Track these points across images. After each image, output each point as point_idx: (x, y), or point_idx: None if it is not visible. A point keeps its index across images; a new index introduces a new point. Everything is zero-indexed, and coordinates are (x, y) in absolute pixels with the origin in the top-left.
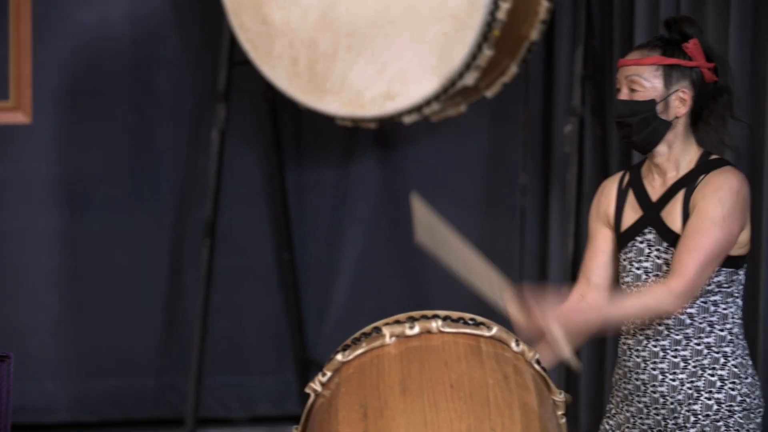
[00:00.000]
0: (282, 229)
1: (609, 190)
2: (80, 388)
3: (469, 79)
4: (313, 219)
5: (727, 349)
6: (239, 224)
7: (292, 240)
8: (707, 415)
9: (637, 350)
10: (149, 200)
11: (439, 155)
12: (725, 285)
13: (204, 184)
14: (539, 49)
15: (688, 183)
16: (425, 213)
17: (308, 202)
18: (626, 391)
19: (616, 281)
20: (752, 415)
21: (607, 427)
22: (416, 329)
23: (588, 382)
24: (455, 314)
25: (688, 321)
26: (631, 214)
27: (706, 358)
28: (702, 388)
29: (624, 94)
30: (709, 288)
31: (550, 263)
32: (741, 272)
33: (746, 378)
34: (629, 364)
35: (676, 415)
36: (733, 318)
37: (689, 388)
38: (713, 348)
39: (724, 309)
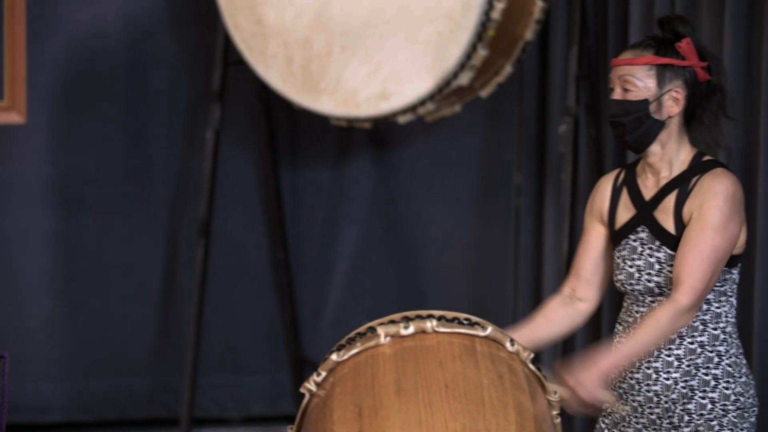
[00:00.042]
0: (276, 229)
1: (604, 187)
2: (75, 388)
3: (464, 78)
4: (307, 219)
5: (721, 348)
6: (234, 224)
7: (287, 240)
8: (701, 414)
9: None
10: (144, 200)
11: (434, 155)
12: (718, 284)
13: (198, 183)
14: (534, 49)
15: (681, 184)
16: None
17: (303, 202)
18: (621, 390)
19: (608, 278)
20: (746, 414)
21: (603, 425)
22: (411, 329)
23: None
24: (450, 314)
25: None
26: (625, 212)
27: (699, 357)
28: (696, 387)
29: (617, 94)
30: None
31: (545, 263)
32: (735, 271)
33: (740, 377)
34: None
35: (670, 414)
36: (726, 317)
37: (683, 387)
38: (707, 347)
39: (718, 308)
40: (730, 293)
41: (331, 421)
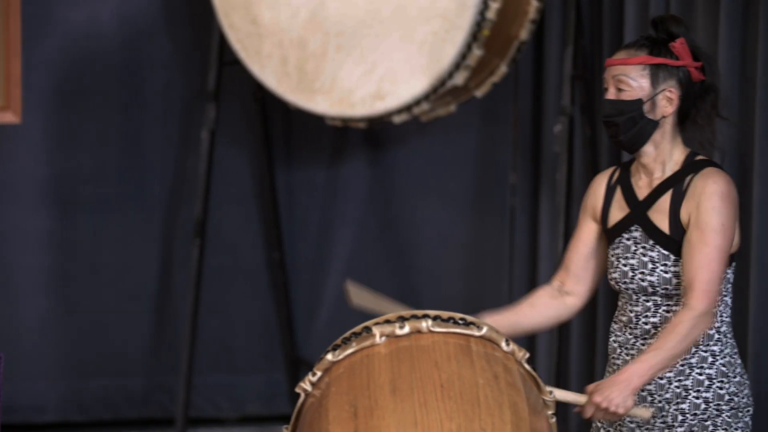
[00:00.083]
0: (272, 229)
1: (599, 185)
2: (70, 388)
3: (459, 78)
4: (302, 218)
5: (715, 348)
6: (229, 224)
7: (282, 239)
8: (695, 414)
9: (626, 349)
10: (139, 200)
11: (429, 155)
12: None
13: (194, 183)
14: (529, 49)
15: (674, 184)
16: (361, 295)
17: (298, 202)
18: None
19: (598, 275)
20: (740, 414)
21: (599, 424)
22: (406, 329)
23: (578, 381)
24: (445, 314)
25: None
26: (618, 211)
27: (693, 357)
28: (690, 387)
29: (611, 94)
30: None
31: (540, 263)
32: (729, 270)
33: (734, 377)
34: (618, 362)
35: (664, 413)
36: (721, 316)
37: (677, 387)
38: (701, 347)
39: None
40: (724, 292)
41: (327, 421)
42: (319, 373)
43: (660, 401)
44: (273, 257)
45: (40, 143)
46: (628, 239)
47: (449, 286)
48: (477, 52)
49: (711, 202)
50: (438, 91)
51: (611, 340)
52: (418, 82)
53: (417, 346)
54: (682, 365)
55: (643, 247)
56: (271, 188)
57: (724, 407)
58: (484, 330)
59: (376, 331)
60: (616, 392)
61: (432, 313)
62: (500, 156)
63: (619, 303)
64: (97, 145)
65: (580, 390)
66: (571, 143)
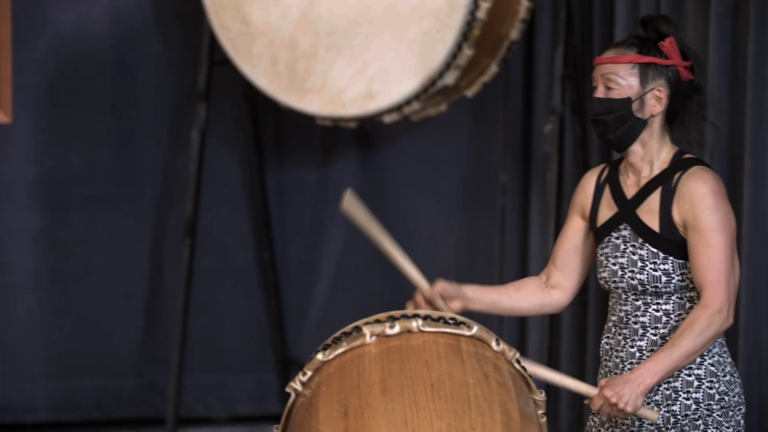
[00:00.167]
0: (262, 229)
1: (588, 182)
2: (61, 388)
3: (450, 78)
4: (293, 218)
5: None
6: (220, 224)
7: (273, 239)
8: (686, 415)
9: (617, 350)
10: (130, 200)
11: (420, 155)
12: None
13: (184, 183)
14: (519, 49)
15: (663, 182)
16: (355, 207)
17: (289, 202)
18: None
19: (583, 272)
20: (731, 413)
21: (592, 423)
22: (396, 329)
23: None
24: (435, 313)
25: (664, 319)
26: (607, 210)
27: None
28: (680, 389)
29: (600, 92)
30: (684, 284)
31: (530, 262)
32: None
33: (724, 376)
34: (609, 364)
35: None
36: None
37: (666, 389)
38: None
39: None
40: None
41: (317, 420)
42: (309, 373)
43: (650, 403)
44: (264, 257)
45: (31, 143)
46: (617, 238)
47: None
48: (467, 52)
49: (705, 203)
50: (429, 91)
51: (603, 342)
52: (409, 81)
53: (407, 345)
54: None
55: (633, 246)
56: (262, 188)
57: (714, 407)
58: (475, 330)
59: (366, 330)
60: (628, 390)
61: (422, 312)
62: (491, 155)
63: (610, 303)
64: (88, 144)
65: (570, 394)
66: (562, 143)
